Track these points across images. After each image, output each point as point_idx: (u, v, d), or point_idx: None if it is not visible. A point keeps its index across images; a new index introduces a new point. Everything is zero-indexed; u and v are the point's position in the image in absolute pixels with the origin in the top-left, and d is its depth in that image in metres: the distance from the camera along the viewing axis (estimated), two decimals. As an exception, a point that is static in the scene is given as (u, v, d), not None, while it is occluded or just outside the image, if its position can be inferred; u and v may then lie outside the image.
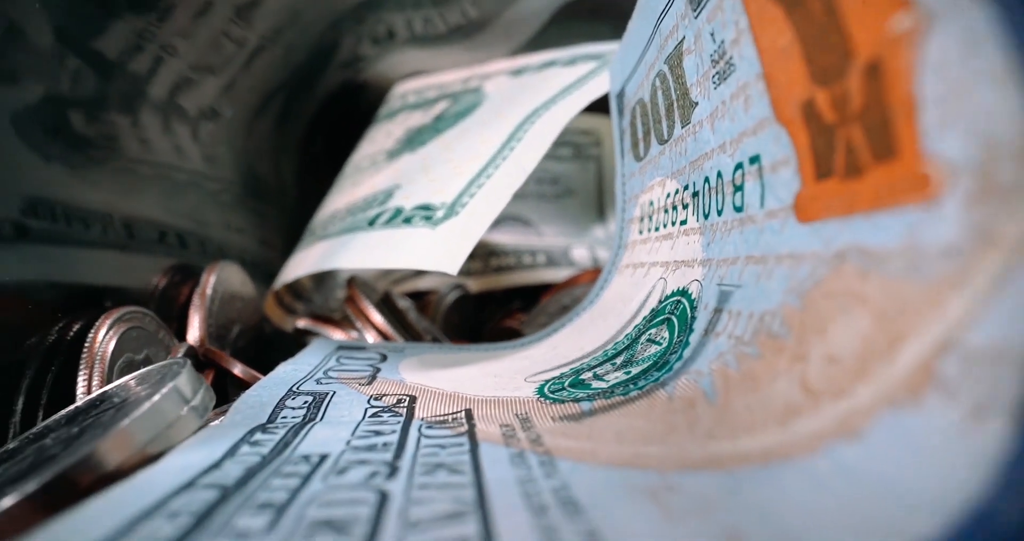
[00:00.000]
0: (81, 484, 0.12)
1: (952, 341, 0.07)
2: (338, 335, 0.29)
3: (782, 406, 0.10)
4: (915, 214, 0.08)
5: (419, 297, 0.38)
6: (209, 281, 0.27)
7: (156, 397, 0.13)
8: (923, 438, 0.07)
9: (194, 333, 0.26)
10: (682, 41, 0.16)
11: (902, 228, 0.08)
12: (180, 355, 0.22)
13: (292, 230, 0.43)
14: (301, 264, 0.30)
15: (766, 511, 0.08)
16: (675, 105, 0.18)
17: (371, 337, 0.27)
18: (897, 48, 0.08)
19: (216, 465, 0.11)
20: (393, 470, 0.10)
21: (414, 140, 0.34)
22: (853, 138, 0.09)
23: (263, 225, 0.42)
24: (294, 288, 0.36)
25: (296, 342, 0.32)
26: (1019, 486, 0.06)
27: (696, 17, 0.15)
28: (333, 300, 0.39)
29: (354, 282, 0.29)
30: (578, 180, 0.45)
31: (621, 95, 0.24)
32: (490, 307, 0.40)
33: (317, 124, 0.47)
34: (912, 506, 0.07)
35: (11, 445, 0.15)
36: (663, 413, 0.12)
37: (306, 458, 0.11)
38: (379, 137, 0.39)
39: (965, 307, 0.07)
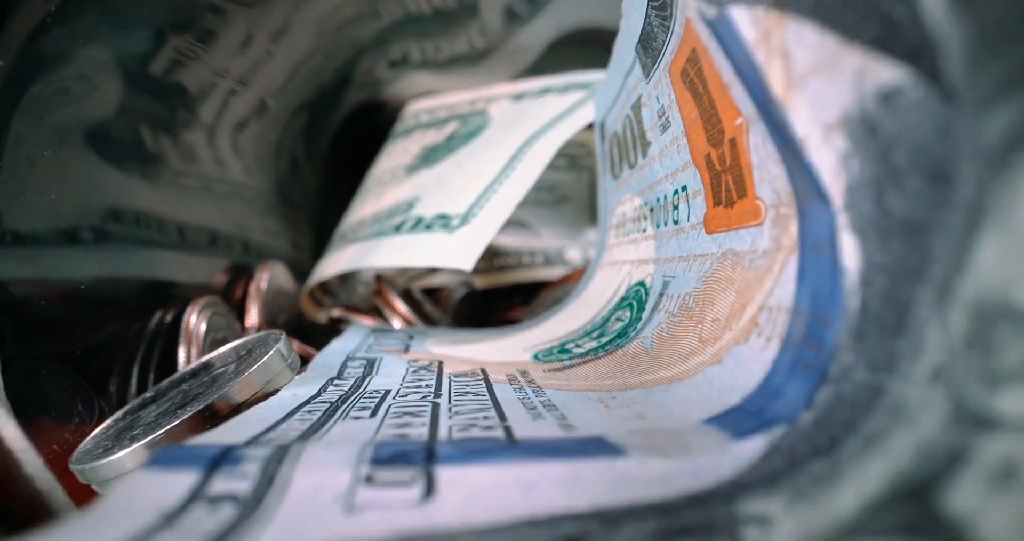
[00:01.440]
0: (222, 412, 0.17)
1: (764, 304, 0.13)
2: (367, 322, 0.35)
3: (687, 351, 0.15)
4: (754, 230, 0.14)
5: (431, 293, 0.43)
6: (263, 277, 0.32)
7: (268, 355, 0.18)
8: (745, 357, 0.13)
9: (252, 319, 0.31)
10: (640, 96, 0.22)
11: (749, 238, 0.14)
12: (252, 335, 0.27)
13: (319, 234, 0.48)
14: (335, 263, 0.36)
15: (661, 403, 0.13)
16: (637, 141, 0.23)
17: (397, 323, 0.32)
18: (740, 134, 0.13)
19: (317, 395, 0.16)
20: (437, 395, 0.16)
21: (430, 157, 0.39)
22: (728, 182, 0.15)
23: (294, 230, 0.47)
24: (324, 285, 0.41)
25: (330, 330, 0.37)
26: (781, 370, 0.11)
27: (647, 83, 0.20)
28: (355, 295, 0.45)
29: (382, 278, 0.35)
30: (573, 188, 0.50)
31: (603, 125, 0.30)
32: (494, 302, 0.45)
33: (339, 139, 0.52)
34: (732, 391, 0.12)
35: (148, 394, 0.20)
36: (618, 363, 0.18)
37: (376, 391, 0.17)
38: (396, 153, 0.45)
39: (769, 284, 0.13)
